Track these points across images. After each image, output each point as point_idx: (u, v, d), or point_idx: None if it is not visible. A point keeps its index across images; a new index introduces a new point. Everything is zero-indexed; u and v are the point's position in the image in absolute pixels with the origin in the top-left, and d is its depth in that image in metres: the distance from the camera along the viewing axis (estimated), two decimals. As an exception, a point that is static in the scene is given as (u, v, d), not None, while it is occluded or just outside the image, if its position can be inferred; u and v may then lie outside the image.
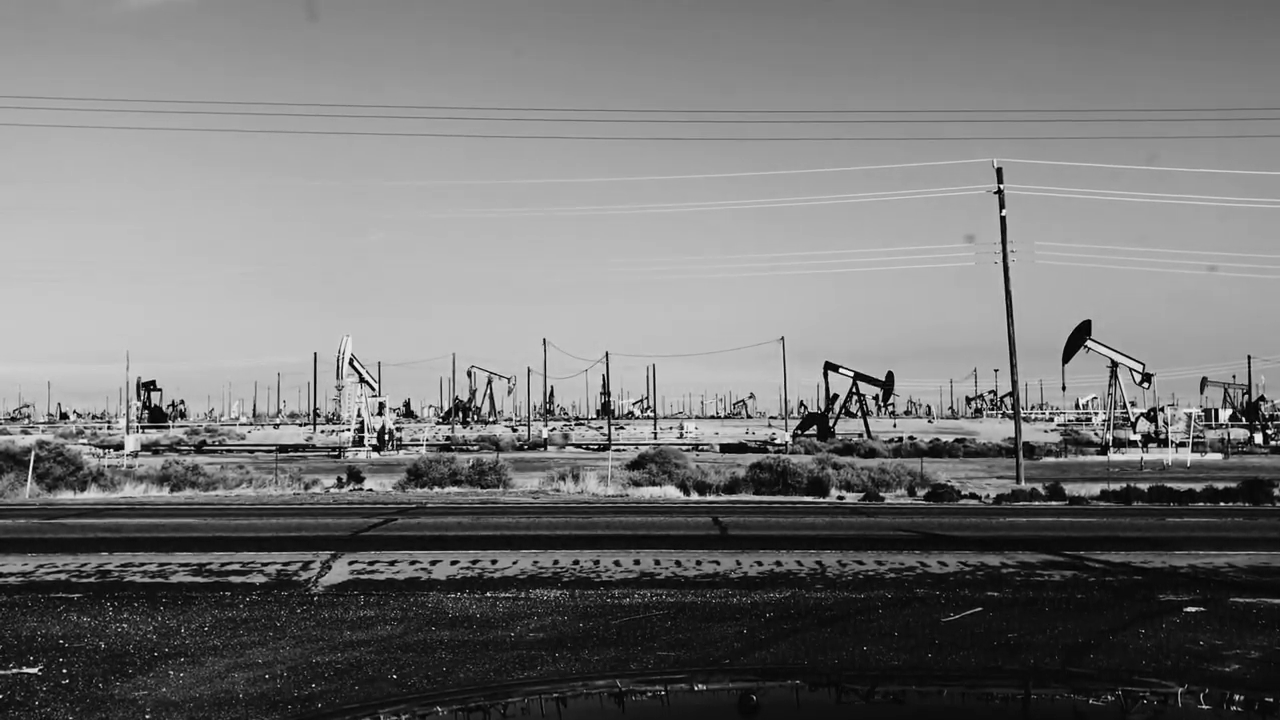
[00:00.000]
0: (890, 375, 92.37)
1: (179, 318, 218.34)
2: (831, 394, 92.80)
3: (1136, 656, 9.44)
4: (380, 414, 68.45)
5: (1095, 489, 29.97)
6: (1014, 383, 38.55)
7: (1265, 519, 23.12)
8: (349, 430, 67.01)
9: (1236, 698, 2.78)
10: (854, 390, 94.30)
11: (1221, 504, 27.22)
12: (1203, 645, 9.85)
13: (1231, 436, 76.62)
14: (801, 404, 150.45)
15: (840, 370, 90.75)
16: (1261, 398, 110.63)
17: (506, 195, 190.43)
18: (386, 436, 67.09)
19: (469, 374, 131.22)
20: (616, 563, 15.11)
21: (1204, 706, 2.65)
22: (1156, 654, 9.51)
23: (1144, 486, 29.49)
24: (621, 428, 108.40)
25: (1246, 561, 15.45)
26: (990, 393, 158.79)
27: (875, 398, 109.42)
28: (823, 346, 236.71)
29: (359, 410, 66.29)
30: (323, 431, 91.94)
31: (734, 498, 29.66)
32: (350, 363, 67.98)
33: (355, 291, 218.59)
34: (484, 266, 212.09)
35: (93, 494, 30.01)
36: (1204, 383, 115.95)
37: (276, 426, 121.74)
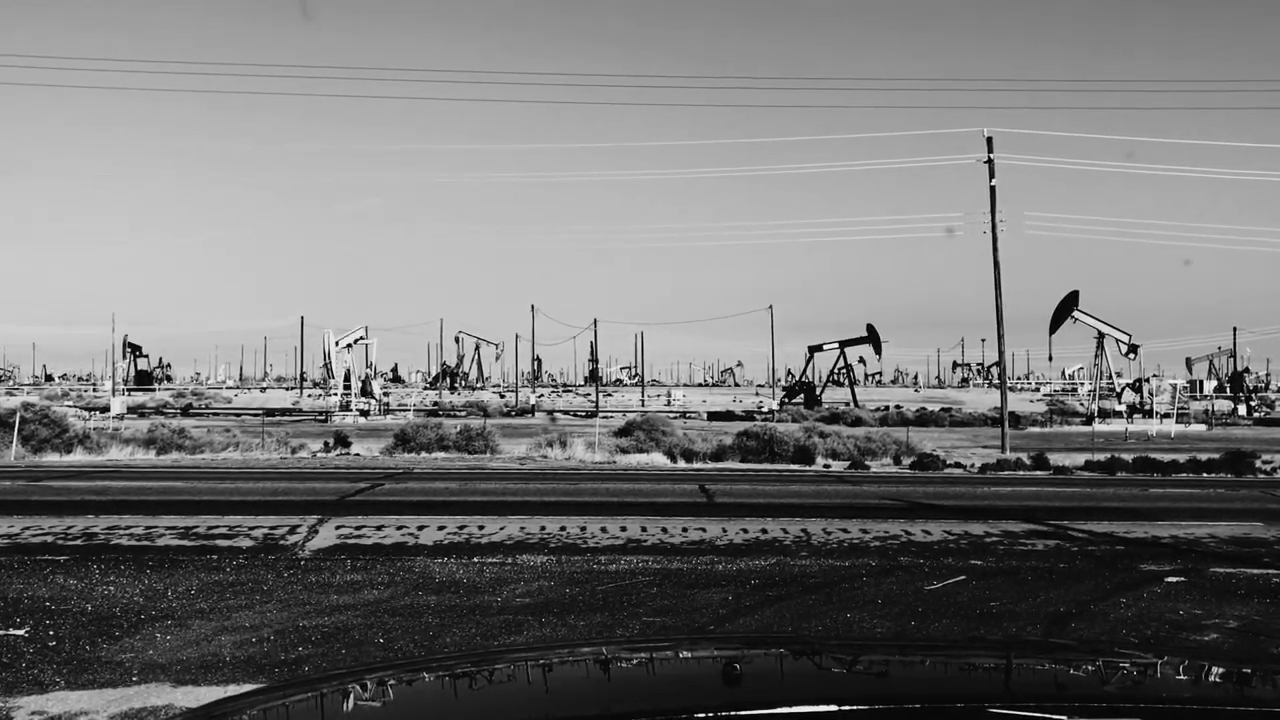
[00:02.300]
0: (870, 326, 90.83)
1: (166, 280, 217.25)
2: (801, 376, 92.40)
3: (1118, 625, 9.54)
4: (368, 377, 68.25)
5: (1080, 459, 30.13)
6: (1001, 352, 38.65)
7: (1247, 490, 23.30)
8: (336, 395, 66.83)
9: (1215, 669, 2.81)
10: (841, 359, 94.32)
11: (1204, 475, 27.40)
12: (1183, 615, 9.96)
13: (1216, 408, 77.03)
14: (789, 372, 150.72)
15: (824, 347, 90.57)
16: (1246, 369, 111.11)
17: (497, 160, 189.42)
18: (374, 400, 66.91)
19: (457, 340, 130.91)
20: (603, 529, 15.17)
21: (1181, 677, 2.68)
22: (1137, 623, 9.61)
23: (1128, 457, 29.67)
24: (609, 395, 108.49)
25: (1228, 532, 15.59)
26: (979, 364, 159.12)
27: (862, 359, 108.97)
28: (811, 315, 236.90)
29: (347, 371, 66.14)
30: (310, 396, 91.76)
31: (721, 465, 29.74)
32: (336, 344, 67.57)
33: (344, 256, 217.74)
34: (473, 232, 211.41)
35: (78, 456, 29.93)
36: (1189, 363, 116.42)
37: (263, 390, 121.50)
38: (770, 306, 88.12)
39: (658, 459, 30.72)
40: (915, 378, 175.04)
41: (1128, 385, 69.41)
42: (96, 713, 6.84)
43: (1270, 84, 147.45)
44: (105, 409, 60.20)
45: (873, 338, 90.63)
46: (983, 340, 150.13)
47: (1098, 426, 55.92)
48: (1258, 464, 28.64)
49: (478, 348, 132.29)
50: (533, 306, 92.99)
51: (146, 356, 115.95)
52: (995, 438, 38.53)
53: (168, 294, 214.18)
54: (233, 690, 7.06)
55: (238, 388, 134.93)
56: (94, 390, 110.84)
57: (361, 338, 68.97)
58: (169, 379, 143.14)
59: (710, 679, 2.62)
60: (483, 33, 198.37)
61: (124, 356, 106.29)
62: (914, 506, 18.80)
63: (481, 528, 15.19)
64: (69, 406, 59.89)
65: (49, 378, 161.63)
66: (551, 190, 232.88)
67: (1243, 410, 78.86)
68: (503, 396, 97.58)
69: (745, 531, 15.11)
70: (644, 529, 15.24)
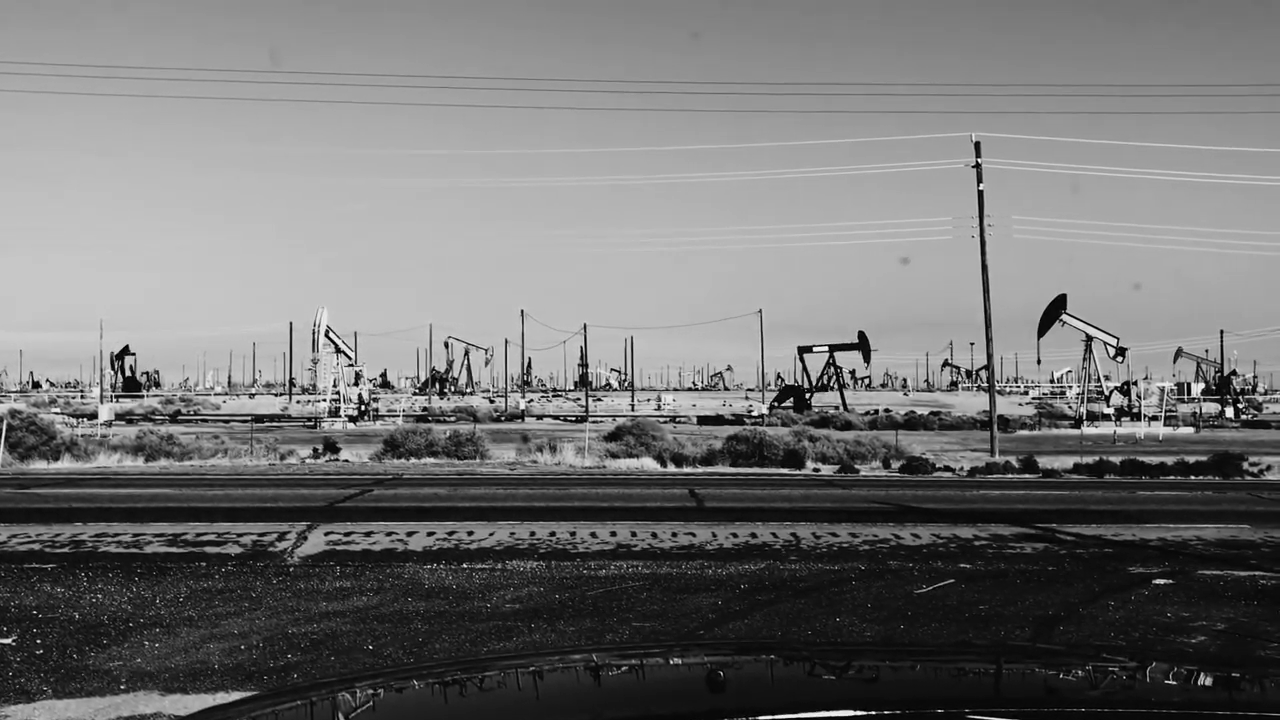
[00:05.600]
0: (862, 334, 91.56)
1: (154, 286, 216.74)
2: (805, 379, 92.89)
3: (1106, 628, 9.57)
4: (357, 384, 68.11)
5: (1068, 462, 30.22)
6: (989, 356, 38.74)
7: (1234, 492, 23.40)
8: (325, 400, 66.64)
9: (1200, 673, 2.82)
10: (831, 363, 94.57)
11: (1192, 477, 27.52)
12: (1171, 617, 9.99)
13: (1203, 410, 77.29)
14: (779, 376, 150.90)
15: (814, 349, 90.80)
16: (1234, 372, 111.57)
17: (485, 165, 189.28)
18: (363, 407, 66.81)
19: (446, 345, 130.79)
20: (593, 534, 15.16)
21: (1167, 682, 2.70)
22: (1125, 626, 9.64)
23: (1116, 460, 29.77)
24: (599, 399, 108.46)
25: (1215, 535, 15.65)
26: (967, 369, 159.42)
27: (853, 371, 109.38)
28: (800, 320, 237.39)
29: (335, 380, 65.96)
30: (298, 402, 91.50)
31: (711, 470, 29.76)
32: (326, 333, 67.49)
33: (332, 261, 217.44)
34: (462, 237, 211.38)
35: (66, 464, 29.80)
36: (1178, 353, 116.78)
37: (252, 396, 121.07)
38: (760, 310, 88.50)
39: (648, 464, 30.72)
40: (904, 381, 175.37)
41: (1116, 388, 69.70)
42: (84, 722, 6.81)
43: (1256, 88, 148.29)
44: (93, 416, 59.87)
45: (863, 345, 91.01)
46: (971, 344, 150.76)
47: (1086, 429, 56.11)
48: (1245, 466, 28.76)
49: (467, 353, 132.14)
50: (522, 311, 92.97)
51: (135, 355, 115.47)
52: (984, 441, 38.62)
53: (155, 300, 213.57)
54: (221, 698, 7.05)
55: (226, 394, 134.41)
56: (81, 397, 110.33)
57: (351, 364, 68.63)
58: (157, 385, 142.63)
59: (699, 685, 2.63)
60: (473, 37, 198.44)
61: (112, 364, 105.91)
62: (903, 510, 18.84)
63: (471, 533, 15.17)
64: (56, 413, 59.56)
65: (36, 384, 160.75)
66: (541, 195, 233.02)
67: (1230, 413, 79.21)
68: (492, 402, 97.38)
69: (735, 536, 15.12)
70: (634, 534, 15.24)
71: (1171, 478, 27.59)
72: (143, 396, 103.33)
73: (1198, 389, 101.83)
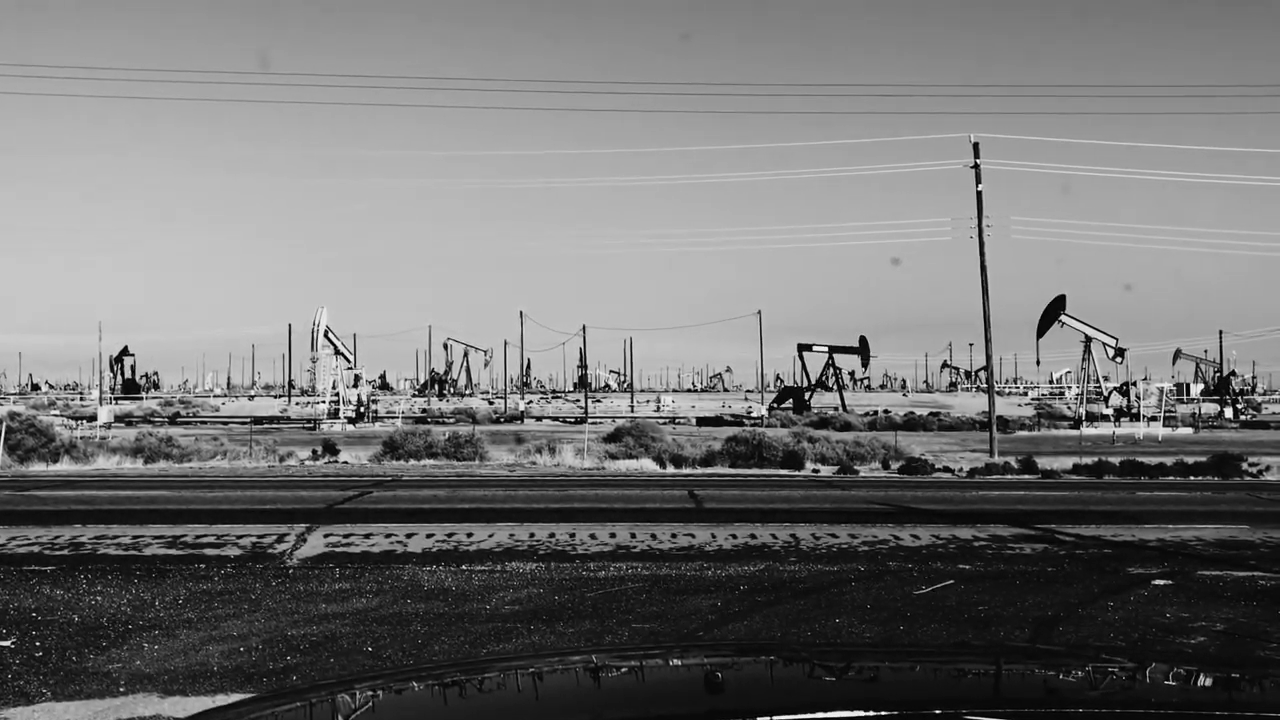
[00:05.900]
0: (863, 339, 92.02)
1: (153, 287, 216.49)
2: (804, 379, 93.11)
3: (1105, 629, 9.57)
4: (356, 385, 68.06)
5: (1068, 463, 30.22)
6: (988, 357, 38.75)
7: (1234, 493, 23.40)
8: (324, 402, 66.55)
9: (1199, 674, 2.82)
10: (830, 364, 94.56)
11: (1191, 478, 27.53)
12: (1170, 618, 9.99)
13: (1202, 411, 77.30)
14: (778, 377, 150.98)
15: (814, 348, 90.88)
16: (1232, 372, 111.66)
17: (485, 167, 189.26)
18: (362, 409, 66.76)
19: (445, 346, 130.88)
20: (592, 536, 15.15)
21: (1166, 682, 2.70)
22: (1125, 626, 9.64)
23: (1116, 461, 29.76)
24: (598, 400, 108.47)
25: (1214, 535, 15.66)
26: (966, 370, 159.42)
27: (852, 373, 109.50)
28: (800, 321, 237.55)
29: (334, 382, 65.89)
30: (298, 403, 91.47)
31: (710, 471, 29.75)
32: (325, 334, 67.41)
33: (332, 261, 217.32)
34: (462, 237, 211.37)
35: (65, 466, 29.78)
36: (1177, 354, 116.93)
37: (251, 398, 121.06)
38: (759, 312, 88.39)
39: (647, 465, 30.71)
40: (903, 382, 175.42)
41: (1115, 389, 69.78)
42: (84, 724, 6.80)
43: (1252, 88, 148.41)
44: (92, 418, 59.81)
45: (863, 350, 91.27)
46: (970, 344, 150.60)
47: (1085, 430, 56.09)
48: (1244, 466, 28.76)
49: (466, 354, 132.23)
50: (521, 313, 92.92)
51: (134, 356, 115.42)
52: (983, 442, 38.61)
53: (155, 302, 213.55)
54: (221, 700, 7.04)
55: (225, 396, 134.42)
56: (81, 399, 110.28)
57: (350, 367, 68.58)
58: (156, 387, 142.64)
59: (698, 686, 2.63)
60: (471, 38, 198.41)
61: (111, 366, 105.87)
62: (902, 511, 18.84)
63: (470, 535, 15.17)
64: (55, 415, 59.51)
65: (35, 386, 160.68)
66: (540, 196, 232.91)
67: (1229, 413, 79.23)
68: (491, 403, 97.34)
69: (734, 537, 15.12)
70: (633, 535, 15.24)
71: (1171, 478, 27.59)
72: (142, 398, 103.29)
73: (1197, 389, 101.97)
